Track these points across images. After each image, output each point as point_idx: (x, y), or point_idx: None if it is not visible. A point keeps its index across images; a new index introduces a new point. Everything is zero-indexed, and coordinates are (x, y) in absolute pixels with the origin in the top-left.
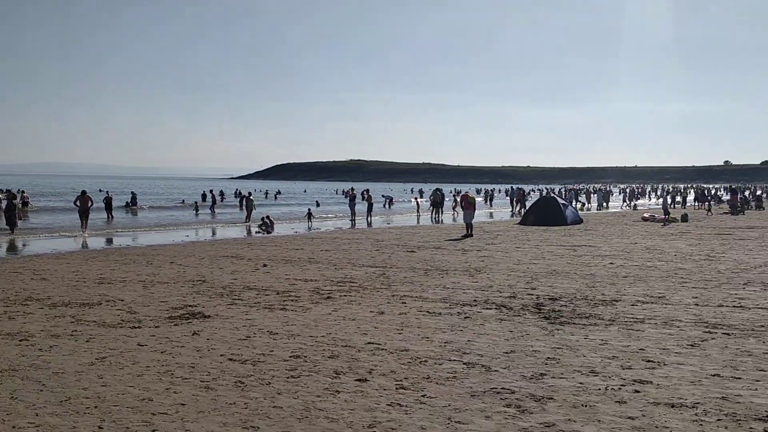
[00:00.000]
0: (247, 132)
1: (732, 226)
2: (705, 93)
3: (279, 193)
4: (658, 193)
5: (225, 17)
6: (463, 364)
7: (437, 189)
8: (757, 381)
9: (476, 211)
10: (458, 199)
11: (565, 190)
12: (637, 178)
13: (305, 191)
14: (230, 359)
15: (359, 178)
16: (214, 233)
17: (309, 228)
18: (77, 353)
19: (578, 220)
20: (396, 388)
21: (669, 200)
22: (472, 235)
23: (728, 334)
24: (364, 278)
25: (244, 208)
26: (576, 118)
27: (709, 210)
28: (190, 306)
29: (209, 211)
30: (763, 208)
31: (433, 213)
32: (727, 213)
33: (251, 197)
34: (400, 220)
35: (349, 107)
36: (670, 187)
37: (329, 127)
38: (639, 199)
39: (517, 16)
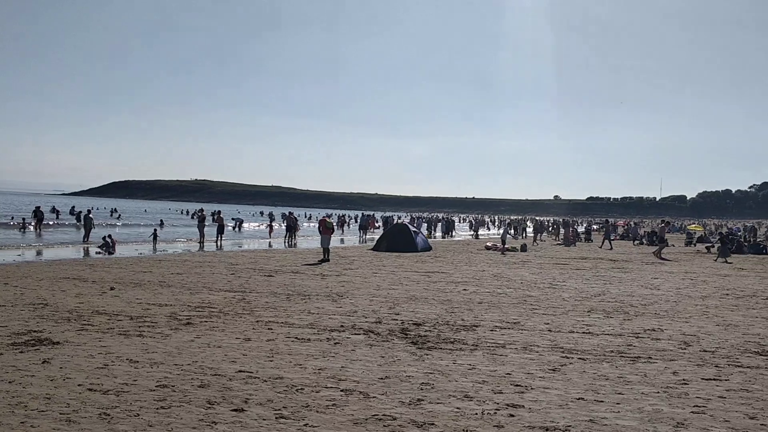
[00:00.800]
0: (82, 145)
1: (567, 256)
2: (537, 130)
3: (116, 211)
4: (497, 224)
5: (61, 23)
6: (341, 391)
7: (290, 213)
8: (617, 404)
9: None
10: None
11: (416, 218)
12: (475, 209)
13: (146, 211)
14: (90, 389)
15: (204, 198)
16: (40, 254)
17: (155, 250)
18: None
19: (428, 248)
20: (276, 418)
21: (511, 231)
22: (328, 260)
23: (583, 359)
24: (224, 303)
25: (82, 226)
26: (422, 150)
27: (535, 240)
28: (35, 331)
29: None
30: (592, 241)
31: (287, 237)
32: (560, 244)
33: (90, 215)
34: (252, 244)
35: (196, 125)
36: (510, 219)
37: (172, 145)
38: (480, 228)
39: (375, 47)
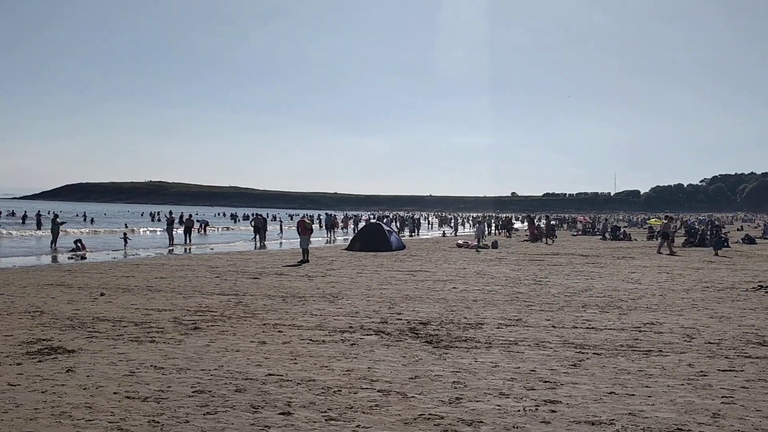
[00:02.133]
0: (29, 147)
1: (538, 252)
2: (493, 127)
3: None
4: (460, 221)
5: (10, 15)
6: (378, 391)
7: (257, 214)
8: (649, 397)
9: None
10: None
11: (384, 218)
12: (434, 206)
13: (105, 214)
14: (127, 397)
15: (160, 200)
16: (7, 258)
17: (125, 254)
18: None
19: (401, 246)
20: (325, 420)
21: (484, 228)
22: (308, 261)
23: (598, 354)
24: (223, 307)
25: (49, 231)
26: (378, 148)
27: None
28: (44, 340)
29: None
30: (556, 237)
31: (256, 238)
32: (526, 240)
33: (58, 220)
34: (222, 247)
35: (145, 124)
36: (481, 216)
37: (123, 146)
38: (444, 226)
39: (332, 42)
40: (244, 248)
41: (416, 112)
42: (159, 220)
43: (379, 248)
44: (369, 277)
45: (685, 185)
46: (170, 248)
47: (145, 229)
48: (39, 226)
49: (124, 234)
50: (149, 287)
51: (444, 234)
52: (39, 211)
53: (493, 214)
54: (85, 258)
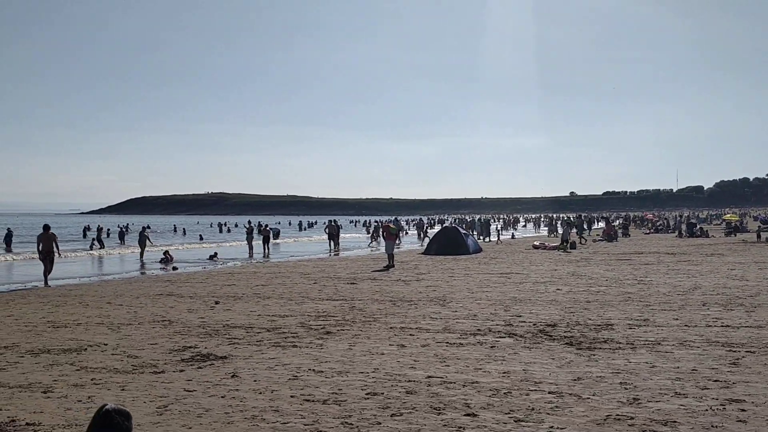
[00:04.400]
0: (88, 164)
1: (621, 252)
2: (546, 127)
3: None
4: (524, 222)
5: (65, 39)
6: (548, 393)
7: (332, 221)
8: None
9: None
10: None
11: (463, 222)
12: (491, 209)
13: (174, 226)
14: (306, 400)
15: (221, 211)
16: (104, 271)
17: (216, 263)
18: (128, 404)
19: (478, 250)
20: (513, 421)
21: (569, 230)
22: (393, 266)
23: (752, 353)
24: (341, 312)
25: (137, 243)
26: (429, 152)
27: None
28: (191, 348)
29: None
30: (629, 235)
31: (331, 245)
32: (602, 240)
33: (145, 232)
34: (298, 253)
35: (206, 139)
36: (566, 216)
37: (184, 160)
38: (508, 228)
39: (377, 50)
40: (319, 255)
41: (464, 116)
42: (229, 231)
43: (456, 252)
44: (464, 281)
45: (752, 179)
46: (249, 257)
47: (235, 243)
48: (122, 239)
49: (215, 254)
50: (256, 294)
51: (513, 236)
52: (127, 225)
53: (567, 216)
54: (177, 269)
